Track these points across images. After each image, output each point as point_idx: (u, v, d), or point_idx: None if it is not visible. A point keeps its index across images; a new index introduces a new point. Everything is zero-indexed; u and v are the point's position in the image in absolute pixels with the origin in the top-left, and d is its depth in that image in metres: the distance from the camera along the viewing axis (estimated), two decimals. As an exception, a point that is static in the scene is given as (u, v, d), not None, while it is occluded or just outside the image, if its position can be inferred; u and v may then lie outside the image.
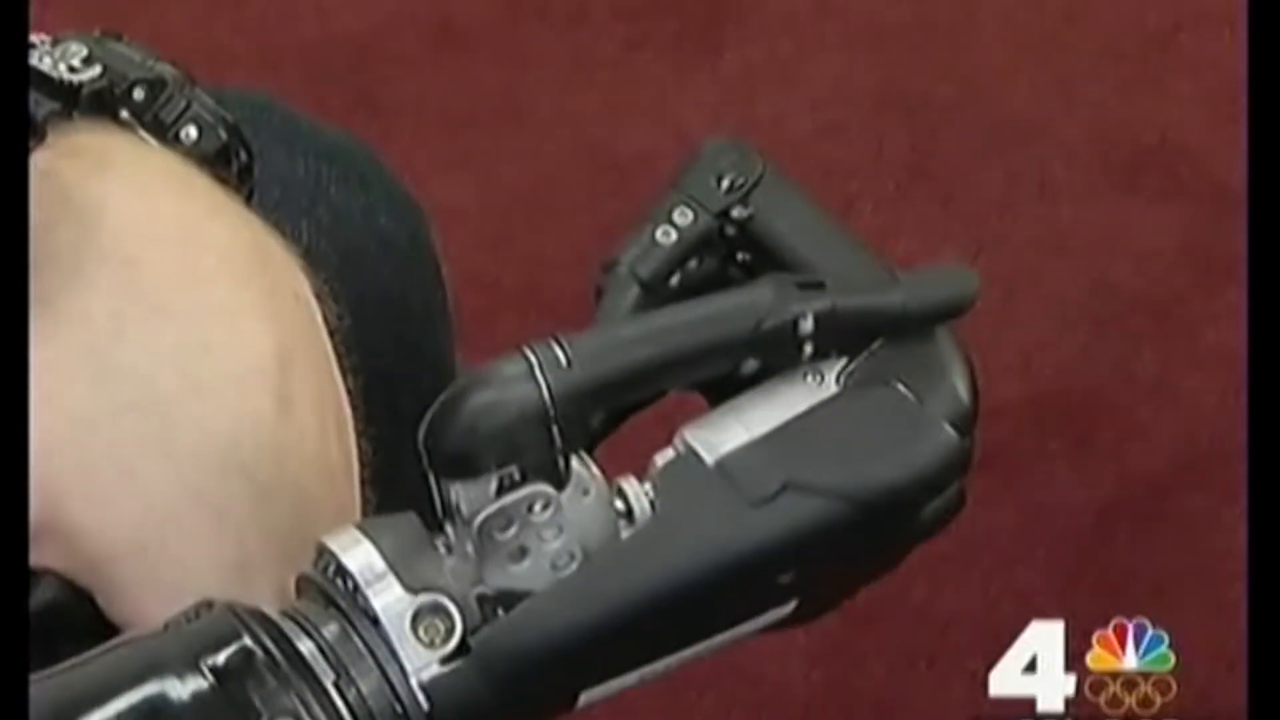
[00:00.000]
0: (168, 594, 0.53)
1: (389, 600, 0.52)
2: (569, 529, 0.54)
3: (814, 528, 0.54)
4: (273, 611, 0.52)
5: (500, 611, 0.53)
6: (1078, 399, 1.67)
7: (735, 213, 0.63)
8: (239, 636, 0.51)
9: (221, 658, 0.50)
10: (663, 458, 0.56)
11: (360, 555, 0.52)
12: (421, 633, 0.52)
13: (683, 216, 0.64)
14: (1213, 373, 1.65)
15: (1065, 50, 1.87)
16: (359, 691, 0.51)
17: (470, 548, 0.53)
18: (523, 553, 0.53)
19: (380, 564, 0.52)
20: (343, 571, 0.52)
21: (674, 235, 0.63)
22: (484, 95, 1.91)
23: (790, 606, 0.56)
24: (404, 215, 0.87)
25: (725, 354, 0.56)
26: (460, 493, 0.53)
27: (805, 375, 0.57)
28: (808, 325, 0.56)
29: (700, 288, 0.63)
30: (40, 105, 0.60)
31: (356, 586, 0.52)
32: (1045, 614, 1.11)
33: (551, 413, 0.53)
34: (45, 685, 0.50)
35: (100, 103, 0.62)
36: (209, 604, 0.52)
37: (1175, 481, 1.62)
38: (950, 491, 0.57)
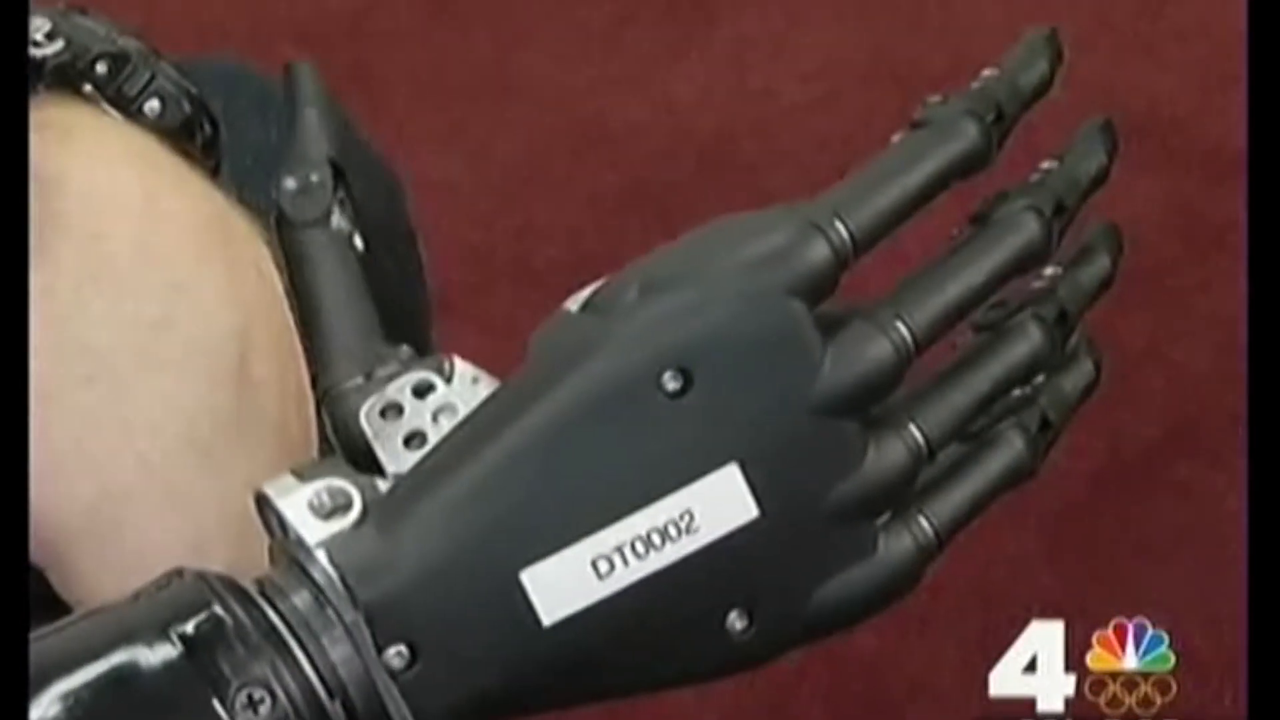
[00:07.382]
0: (122, 571, 0.53)
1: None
2: (464, 412, 0.53)
3: (675, 316, 0.52)
4: (244, 580, 0.52)
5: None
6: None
7: None
8: (209, 605, 0.51)
9: (191, 626, 0.50)
10: None
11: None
12: None
13: None
14: (1203, 340, 1.65)
15: (1056, 19, 1.86)
16: (330, 660, 0.51)
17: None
18: (420, 439, 0.53)
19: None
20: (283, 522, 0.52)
21: None
22: (476, 69, 1.91)
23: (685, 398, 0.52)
24: (379, 182, 0.87)
25: None
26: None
27: None
28: None
29: None
30: None
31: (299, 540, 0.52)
32: (1045, 614, 1.10)
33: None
34: None
35: (63, 77, 0.62)
36: (179, 572, 0.52)
37: (1167, 449, 1.61)
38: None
